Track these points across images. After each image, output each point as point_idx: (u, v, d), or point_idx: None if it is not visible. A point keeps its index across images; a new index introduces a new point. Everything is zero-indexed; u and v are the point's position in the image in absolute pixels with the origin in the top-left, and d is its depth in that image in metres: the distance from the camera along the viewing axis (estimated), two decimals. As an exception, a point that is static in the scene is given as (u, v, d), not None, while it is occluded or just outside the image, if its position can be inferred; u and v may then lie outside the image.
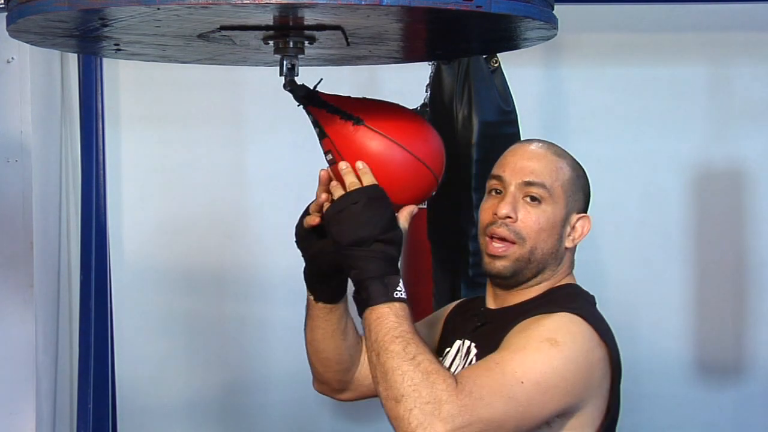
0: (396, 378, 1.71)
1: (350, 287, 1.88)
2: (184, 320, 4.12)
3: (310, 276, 2.02)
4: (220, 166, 4.09)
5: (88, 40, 1.92)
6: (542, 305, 1.90)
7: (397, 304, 1.77)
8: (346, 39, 1.83)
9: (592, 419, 1.85)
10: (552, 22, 1.81)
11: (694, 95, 4.07)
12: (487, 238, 1.94)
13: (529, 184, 1.94)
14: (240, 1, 1.56)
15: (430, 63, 3.09)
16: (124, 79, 4.04)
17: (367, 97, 1.98)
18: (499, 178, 1.97)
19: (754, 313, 4.09)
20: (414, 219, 1.90)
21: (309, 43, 1.87)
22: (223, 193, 4.07)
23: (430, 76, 3.13)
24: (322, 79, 1.92)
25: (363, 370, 2.09)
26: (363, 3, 1.57)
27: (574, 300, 1.93)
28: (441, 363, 1.76)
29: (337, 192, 1.84)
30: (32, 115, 3.72)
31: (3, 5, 2.19)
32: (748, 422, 4.08)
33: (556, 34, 1.89)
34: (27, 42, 1.95)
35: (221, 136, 4.09)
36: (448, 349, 2.04)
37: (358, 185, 1.83)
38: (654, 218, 4.07)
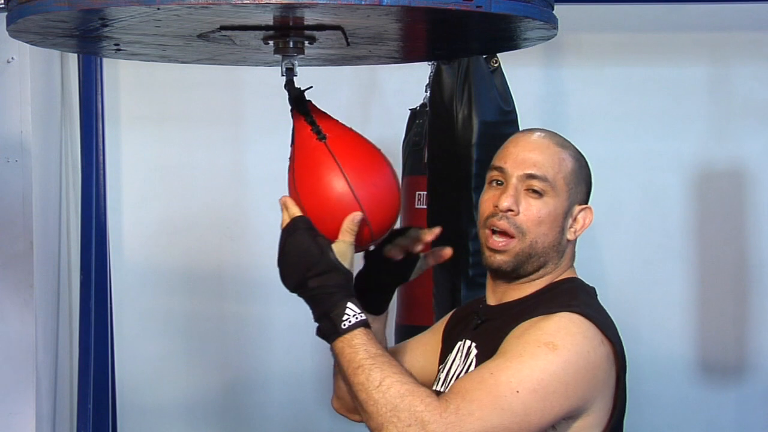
0: (371, 409, 1.69)
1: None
2: (184, 320, 4.12)
3: (357, 286, 1.98)
4: (220, 166, 4.09)
5: (88, 40, 1.92)
6: (543, 303, 1.87)
7: (347, 336, 1.73)
8: (346, 39, 1.83)
9: (599, 418, 1.82)
10: (552, 22, 1.81)
11: (694, 95, 4.07)
12: (488, 231, 1.91)
13: (531, 176, 1.90)
14: (240, 1, 1.56)
15: (430, 63, 3.09)
16: (124, 79, 4.04)
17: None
18: (500, 169, 1.93)
19: (755, 313, 4.08)
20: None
21: (309, 43, 1.87)
22: (223, 193, 4.07)
23: (430, 76, 3.13)
24: (311, 86, 1.90)
25: None
26: (363, 3, 1.57)
27: (575, 296, 1.88)
28: (415, 382, 1.71)
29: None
30: (32, 115, 3.72)
31: (3, 5, 2.19)
32: (749, 422, 4.08)
33: (556, 34, 1.89)
34: (27, 42, 1.95)
35: (221, 136, 4.09)
36: (449, 354, 2.00)
37: (286, 221, 1.82)
38: (654, 218, 4.07)
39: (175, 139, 4.09)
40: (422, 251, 2.01)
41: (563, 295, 1.89)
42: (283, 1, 1.58)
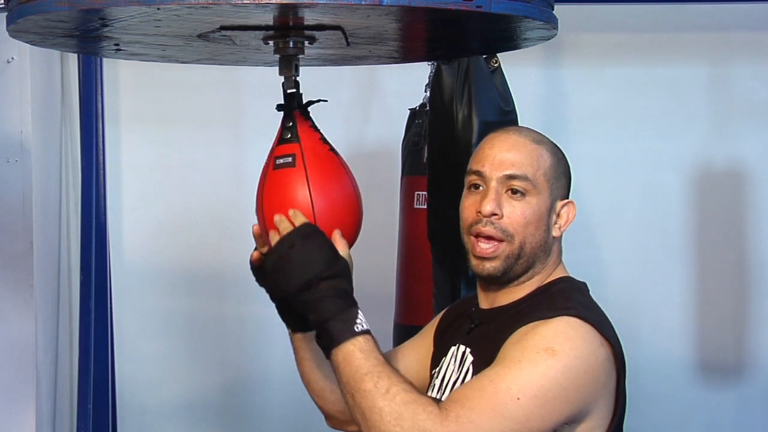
0: (374, 417, 1.66)
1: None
2: (184, 320, 4.12)
3: (278, 309, 1.97)
4: (220, 166, 4.09)
5: (88, 40, 1.92)
6: (538, 307, 1.84)
7: (360, 338, 1.71)
8: (346, 39, 1.83)
9: (601, 421, 1.80)
10: (552, 22, 1.81)
11: (694, 95, 4.07)
12: (473, 238, 1.88)
13: (511, 177, 1.86)
14: (240, 1, 1.56)
15: (430, 63, 3.09)
16: (124, 79, 4.04)
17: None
18: (478, 173, 1.89)
19: (754, 313, 4.08)
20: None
21: (309, 43, 1.88)
22: (223, 193, 4.07)
23: (430, 76, 3.13)
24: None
25: None
26: (363, 3, 1.57)
27: (569, 297, 1.86)
28: (418, 391, 1.70)
29: (274, 239, 1.81)
30: (32, 115, 3.72)
31: (3, 5, 2.19)
32: (749, 422, 4.08)
33: (556, 34, 1.89)
34: (27, 42, 1.95)
35: (221, 136, 4.09)
36: (443, 359, 1.98)
37: (291, 229, 1.79)
38: (654, 218, 4.07)
39: (175, 139, 4.09)
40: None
41: (557, 298, 1.87)
42: (283, 1, 1.58)
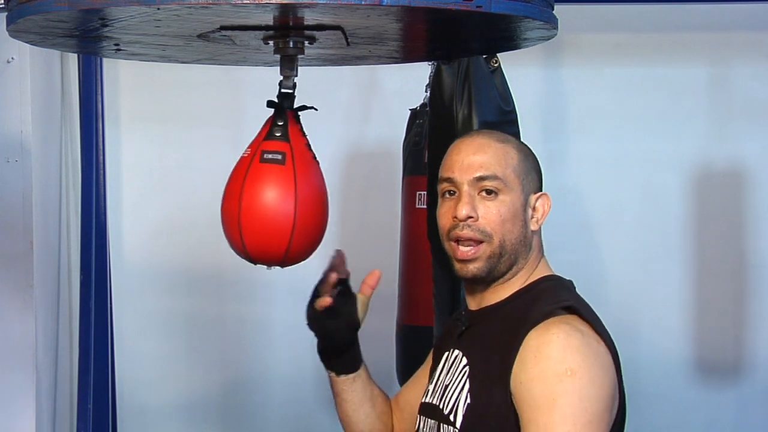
0: None
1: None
2: (184, 320, 4.11)
3: (324, 353, 2.05)
4: (220, 166, 4.05)
5: (88, 40, 1.92)
6: (527, 311, 1.85)
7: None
8: (346, 39, 1.83)
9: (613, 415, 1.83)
10: (552, 22, 1.81)
11: (694, 95, 4.06)
12: (453, 243, 1.90)
13: (481, 179, 1.89)
14: (240, 1, 1.56)
15: (430, 63, 3.09)
16: (124, 79, 4.04)
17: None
18: (449, 180, 1.92)
19: (754, 313, 4.08)
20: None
21: (309, 43, 1.88)
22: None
23: (430, 76, 3.13)
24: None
25: None
26: (363, 3, 1.57)
27: (557, 296, 1.87)
28: None
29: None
30: (32, 115, 3.72)
31: (3, 5, 2.19)
32: (748, 422, 4.08)
33: (556, 34, 1.89)
34: (27, 42, 1.95)
35: (221, 136, 4.09)
36: (437, 366, 2.00)
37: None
38: (654, 218, 4.07)
39: (175, 139, 4.09)
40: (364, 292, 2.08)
41: (545, 298, 1.87)
42: (283, 1, 1.58)
